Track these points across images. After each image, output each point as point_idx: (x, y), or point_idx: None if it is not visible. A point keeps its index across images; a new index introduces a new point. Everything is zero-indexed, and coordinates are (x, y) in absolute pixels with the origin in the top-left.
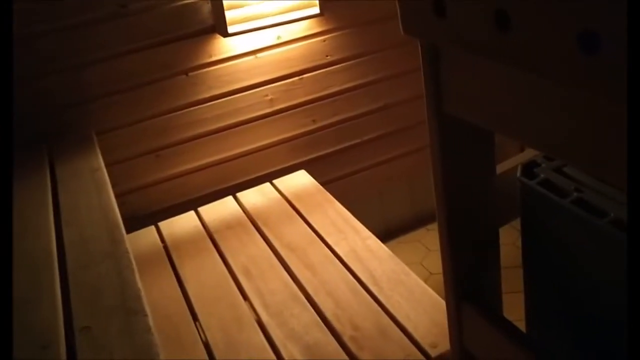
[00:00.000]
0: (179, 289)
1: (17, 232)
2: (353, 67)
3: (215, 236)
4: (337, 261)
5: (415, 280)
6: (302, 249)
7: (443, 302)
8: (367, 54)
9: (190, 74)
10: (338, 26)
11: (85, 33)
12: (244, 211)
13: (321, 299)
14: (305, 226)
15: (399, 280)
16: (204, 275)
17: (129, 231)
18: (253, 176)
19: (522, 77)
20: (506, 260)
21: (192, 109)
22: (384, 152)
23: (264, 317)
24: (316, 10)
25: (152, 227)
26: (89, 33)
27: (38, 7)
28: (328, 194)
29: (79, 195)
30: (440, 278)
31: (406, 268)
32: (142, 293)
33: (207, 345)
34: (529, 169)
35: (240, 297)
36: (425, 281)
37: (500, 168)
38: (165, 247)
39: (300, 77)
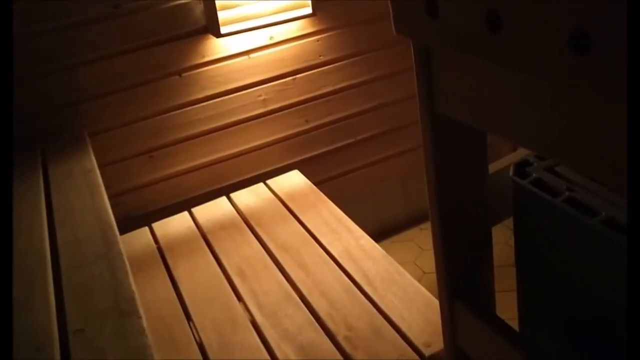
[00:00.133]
0: (172, 290)
1: None
2: (346, 67)
3: (209, 237)
4: (330, 261)
5: (408, 280)
6: (296, 249)
7: (437, 302)
8: (360, 53)
9: (183, 74)
10: (331, 26)
11: (78, 34)
12: (237, 211)
13: (315, 299)
14: (299, 226)
15: (393, 279)
16: (197, 276)
17: (122, 232)
18: (247, 176)
19: (514, 76)
20: (499, 259)
21: (185, 109)
22: (377, 152)
23: (258, 318)
24: (309, 10)
25: (146, 228)
26: (82, 34)
27: (31, 7)
28: (321, 194)
29: (72, 196)
30: (433, 277)
31: (400, 267)
32: (136, 294)
33: (201, 346)
34: (521, 168)
35: (234, 298)
36: (419, 280)
37: (492, 167)
38: (159, 248)
39: (294, 77)
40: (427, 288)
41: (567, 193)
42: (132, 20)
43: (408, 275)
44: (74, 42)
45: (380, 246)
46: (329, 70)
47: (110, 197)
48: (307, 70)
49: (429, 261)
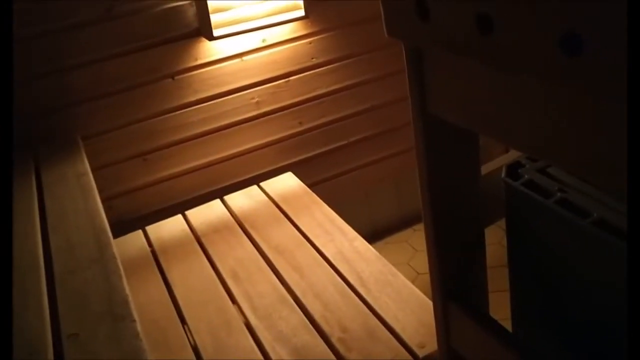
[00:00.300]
0: (166, 293)
1: None
2: (339, 69)
3: (203, 240)
4: (324, 263)
5: (402, 281)
6: (290, 251)
7: (430, 303)
8: (353, 56)
9: (176, 77)
10: (323, 28)
11: (71, 37)
12: (231, 214)
13: (309, 301)
14: (293, 228)
15: (387, 281)
16: (191, 279)
17: (116, 236)
18: (240, 179)
19: (505, 78)
20: (492, 259)
21: (178, 112)
22: (370, 154)
23: (253, 320)
24: (301, 12)
25: (140, 231)
26: (75, 37)
27: (23, 10)
28: (315, 195)
29: (65, 200)
30: (427, 278)
31: (393, 269)
32: (130, 298)
33: (195, 349)
34: (513, 169)
35: (229, 301)
36: (413, 281)
37: (485, 169)
38: (153, 251)
39: (287, 79)
40: (420, 289)
41: (558, 194)
42: (124, 23)
43: (402, 277)
44: (67, 45)
45: (374, 247)
46: (321, 73)
47: (103, 201)
48: (300, 73)
49: (422, 262)
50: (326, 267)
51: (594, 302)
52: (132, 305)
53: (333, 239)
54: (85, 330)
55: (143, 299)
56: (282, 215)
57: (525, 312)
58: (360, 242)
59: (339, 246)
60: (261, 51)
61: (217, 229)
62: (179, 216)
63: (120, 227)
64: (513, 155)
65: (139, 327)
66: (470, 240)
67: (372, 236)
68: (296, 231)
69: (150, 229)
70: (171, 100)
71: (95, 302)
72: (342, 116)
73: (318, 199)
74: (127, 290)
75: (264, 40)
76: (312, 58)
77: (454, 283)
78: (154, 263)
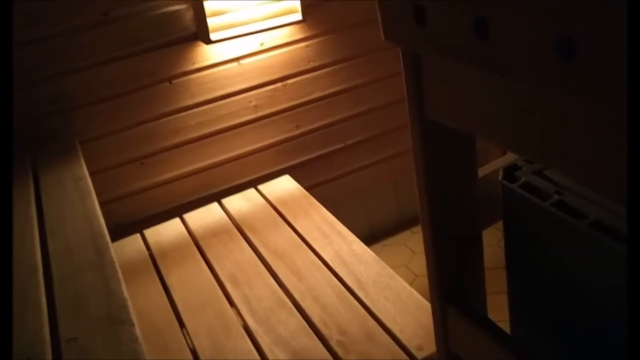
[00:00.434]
0: (165, 297)
1: None
2: (336, 72)
3: (201, 243)
4: (322, 266)
5: (400, 284)
6: (288, 254)
7: (429, 305)
8: (350, 59)
9: (173, 81)
10: (320, 32)
11: (68, 41)
12: (229, 217)
13: (308, 305)
14: (291, 231)
15: (385, 283)
16: (190, 283)
17: (114, 240)
18: (238, 182)
19: (502, 82)
20: (490, 261)
21: (176, 116)
22: (368, 156)
23: (251, 324)
24: (298, 16)
25: (138, 235)
26: (72, 41)
27: (20, 15)
28: (313, 198)
29: (63, 204)
30: (425, 280)
31: (391, 271)
32: (129, 302)
33: (194, 353)
34: (510, 172)
35: (227, 304)
36: (411, 284)
37: (482, 171)
38: (151, 255)
39: (284, 83)
40: (419, 291)
41: (555, 196)
42: (122, 28)
43: (400, 279)
44: (64, 49)
45: (372, 250)
46: (319, 76)
47: (101, 205)
48: (297, 76)
49: (420, 264)
50: (324, 270)
51: (591, 303)
52: (131, 309)
53: (331, 242)
54: (84, 335)
55: (142, 302)
56: (280, 219)
57: (524, 314)
58: (359, 245)
59: (337, 249)
60: (258, 55)
61: (215, 232)
62: (177, 220)
63: (119, 231)
64: (510, 157)
65: (137, 331)
66: (468, 242)
67: (370, 239)
68: (294, 234)
69: (148, 232)
70: (169, 104)
71: (93, 306)
72: (339, 119)
73: (316, 201)
74: (126, 294)
75: (261, 44)
76: (309, 61)
77: (452, 285)
78: (152, 267)
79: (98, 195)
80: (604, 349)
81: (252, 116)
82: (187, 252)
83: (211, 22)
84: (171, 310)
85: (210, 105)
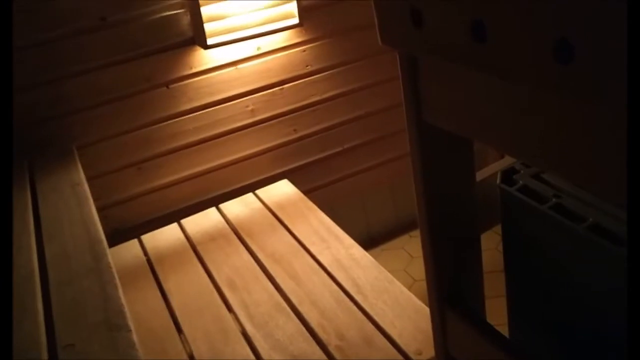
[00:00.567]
0: (163, 302)
1: None
2: (333, 77)
3: (199, 248)
4: (321, 271)
5: (399, 288)
6: (286, 259)
7: (427, 309)
8: (347, 63)
9: (170, 86)
10: (317, 36)
11: (65, 46)
12: (227, 222)
13: (306, 309)
14: (289, 236)
15: (383, 288)
16: (188, 288)
17: (111, 245)
18: (236, 186)
19: (500, 85)
20: (489, 265)
21: (173, 121)
22: (365, 160)
23: (249, 329)
24: (295, 20)
25: (135, 240)
26: (69, 46)
27: (17, 20)
28: (311, 202)
29: (60, 209)
30: (424, 284)
31: (390, 276)
32: (126, 308)
33: (192, 358)
34: (508, 175)
35: (225, 309)
36: (410, 288)
37: (480, 175)
38: (149, 260)
39: (281, 87)
40: (417, 295)
41: (553, 200)
42: (119, 33)
43: (398, 283)
44: (61, 54)
45: (371, 254)
46: (316, 80)
47: (98, 210)
48: (295, 80)
49: (419, 268)
50: (322, 275)
51: (590, 306)
52: (128, 315)
53: (329, 246)
54: (81, 341)
55: (139, 308)
56: (278, 223)
57: (523, 318)
58: (357, 249)
59: (335, 253)
60: (255, 59)
61: (213, 237)
62: (175, 225)
63: (116, 236)
64: (508, 160)
65: (135, 337)
66: (466, 245)
67: (368, 243)
68: (292, 239)
69: (145, 237)
70: (166, 109)
71: (91, 312)
72: (336, 123)
73: (314, 205)
74: (123, 300)
75: (258, 49)
76: (307, 66)
77: (450, 289)
78: (149, 272)
79: (95, 200)
80: (602, 352)
81: (249, 120)
82: (184, 257)
83: (208, 27)
84: (169, 316)
85: (208, 110)
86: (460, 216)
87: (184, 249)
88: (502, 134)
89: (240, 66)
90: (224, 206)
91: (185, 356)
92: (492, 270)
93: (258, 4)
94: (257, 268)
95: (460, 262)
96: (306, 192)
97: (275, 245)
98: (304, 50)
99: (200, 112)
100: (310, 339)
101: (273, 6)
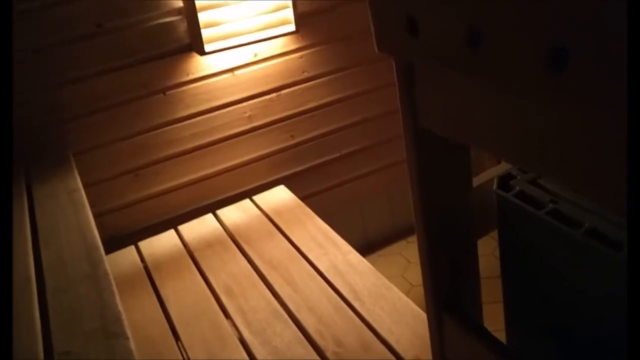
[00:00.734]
0: (160, 309)
1: None
2: (330, 83)
3: (196, 255)
4: (318, 277)
5: (396, 294)
6: (284, 265)
7: (425, 315)
8: (344, 69)
9: (167, 92)
10: (314, 43)
11: (62, 53)
12: (224, 228)
13: (303, 316)
14: (286, 242)
15: (381, 294)
16: (185, 295)
17: (108, 252)
18: (233, 193)
19: (496, 92)
20: (486, 270)
21: (170, 127)
22: (363, 166)
23: (247, 335)
24: (292, 27)
25: (132, 247)
26: (65, 53)
27: (14, 26)
28: (308, 209)
29: (57, 216)
30: (421, 290)
31: (387, 282)
32: (123, 315)
33: None
34: (504, 181)
35: (222, 316)
36: (407, 294)
37: (477, 181)
38: (146, 267)
39: (278, 93)
40: (415, 301)
41: (550, 205)
42: (115, 39)
43: (396, 289)
44: (58, 61)
45: (368, 260)
46: (313, 86)
47: (95, 217)
48: (292, 86)
49: (416, 274)
50: (320, 281)
51: (587, 311)
52: (125, 322)
53: (326, 252)
54: (78, 348)
55: (136, 315)
56: (275, 229)
57: (520, 323)
58: (354, 255)
59: (333, 259)
60: (252, 65)
61: (210, 243)
62: (172, 231)
63: (113, 243)
64: (504, 166)
65: (132, 344)
66: (463, 251)
67: (365, 248)
68: (289, 245)
69: (142, 244)
70: (163, 116)
71: (87, 319)
72: (333, 129)
73: (311, 212)
74: (120, 307)
75: (255, 55)
76: (303, 72)
77: (447, 295)
78: (146, 279)
79: (92, 207)
80: (600, 357)
81: (246, 127)
82: (181, 263)
83: (205, 33)
84: (166, 323)
85: (205, 116)
86: (457, 222)
87: (181, 256)
88: (498, 140)
89: (237, 72)
90: (221, 212)
91: None
92: (490, 276)
93: (255, 10)
94: (255, 274)
95: (457, 268)
96: (303, 198)
97: (272, 251)
98: (301, 57)
99: (198, 118)
100: (308, 345)
101: (270, 13)
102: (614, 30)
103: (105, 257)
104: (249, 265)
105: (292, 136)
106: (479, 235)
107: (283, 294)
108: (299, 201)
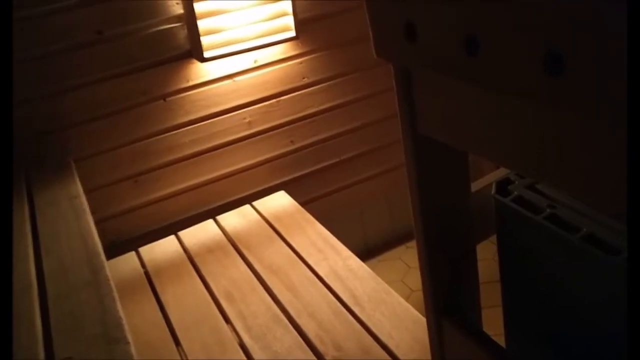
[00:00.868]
0: (160, 315)
1: None
2: (329, 88)
3: (196, 260)
4: (318, 282)
5: (396, 299)
6: (284, 270)
7: (424, 320)
8: (343, 75)
9: (167, 99)
10: (313, 49)
11: (62, 60)
12: (224, 234)
13: (303, 321)
14: (286, 247)
15: (380, 299)
16: (185, 300)
17: (109, 257)
18: (233, 198)
19: (494, 97)
20: (485, 275)
21: (170, 133)
22: (362, 171)
23: (247, 341)
24: (292, 33)
25: (133, 253)
26: (66, 60)
27: (15, 34)
28: (308, 214)
29: (58, 223)
30: (421, 295)
31: (387, 287)
32: (124, 320)
33: None
34: (503, 186)
35: (223, 321)
36: (407, 298)
37: (475, 186)
38: (146, 273)
39: (278, 99)
40: (415, 306)
41: (548, 210)
42: (116, 46)
43: (395, 294)
44: (59, 68)
45: (368, 265)
46: (312, 92)
47: (96, 223)
48: (291, 92)
49: (416, 279)
50: (320, 286)
51: (585, 317)
52: (126, 328)
53: (326, 257)
54: (79, 354)
55: (137, 320)
56: (275, 235)
57: (519, 328)
58: (354, 260)
59: (333, 265)
60: (252, 72)
61: (211, 249)
62: (172, 237)
63: (114, 249)
64: (503, 171)
65: (133, 350)
66: (462, 256)
67: (365, 253)
68: (289, 250)
69: (143, 250)
70: (163, 122)
71: (88, 325)
72: (333, 134)
73: (311, 217)
74: (121, 313)
75: (255, 61)
76: (303, 78)
77: (447, 299)
78: (147, 284)
79: (93, 213)
80: None
81: (246, 132)
82: (182, 269)
83: (205, 40)
84: (166, 328)
85: (205, 123)
86: (456, 227)
87: (182, 261)
88: (496, 146)
89: (237, 79)
90: (221, 218)
91: None
92: (489, 280)
93: (255, 17)
94: (255, 280)
95: (456, 273)
96: (303, 204)
97: (272, 256)
98: (301, 63)
99: (198, 124)
100: (308, 350)
101: (270, 19)
102: (610, 33)
103: (106, 263)
104: (249, 271)
105: (291, 142)
106: (479, 240)
107: (283, 299)
108: (299, 206)
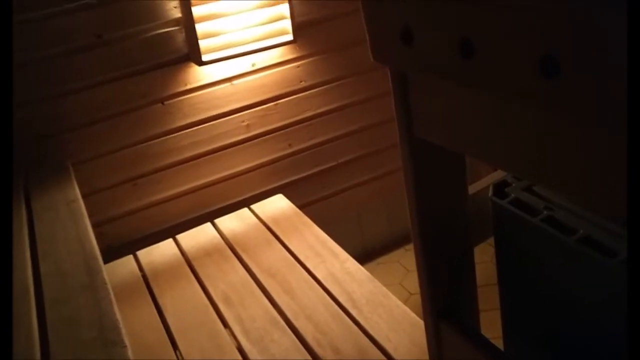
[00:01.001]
0: (158, 318)
1: None
2: (327, 92)
3: (194, 263)
4: (316, 285)
5: (394, 302)
6: (282, 274)
7: (422, 322)
8: (340, 78)
9: (166, 102)
10: (311, 52)
11: (62, 63)
12: (222, 237)
13: (301, 324)
14: (284, 251)
15: (378, 302)
16: (183, 304)
17: (107, 261)
18: (231, 202)
19: (490, 100)
20: (483, 278)
21: (168, 137)
22: (360, 174)
23: (245, 344)
24: (290, 37)
25: (131, 256)
26: (65, 63)
27: (14, 37)
28: (306, 217)
29: (55, 227)
30: (419, 298)
31: (385, 289)
32: (121, 324)
33: None
34: (500, 188)
35: (220, 325)
36: (405, 301)
37: (472, 188)
38: (144, 276)
39: (276, 102)
40: (413, 309)
41: (545, 212)
42: (115, 50)
43: (393, 297)
44: (57, 71)
45: (366, 268)
46: (310, 95)
47: (94, 226)
48: (289, 96)
49: (414, 282)
50: (318, 289)
51: (582, 318)
52: (124, 331)
53: (324, 260)
54: (77, 357)
55: (134, 324)
56: (273, 238)
57: (517, 330)
58: (352, 263)
59: (330, 268)
60: (250, 75)
61: (208, 252)
62: (170, 240)
63: (111, 253)
64: (500, 174)
65: (130, 353)
66: (460, 259)
67: (363, 257)
68: (287, 253)
69: (141, 253)
70: (161, 125)
71: (86, 328)
72: (331, 138)
73: (309, 220)
74: (118, 316)
75: (253, 65)
76: (301, 81)
77: (444, 302)
78: (145, 288)
79: (90, 216)
80: None
81: (244, 136)
82: (180, 272)
83: (203, 43)
84: (164, 332)
85: (203, 126)
86: (454, 229)
87: (180, 265)
88: (492, 149)
89: (235, 82)
90: (219, 221)
91: None
92: (487, 283)
93: (252, 20)
94: (253, 283)
95: (454, 275)
96: (301, 207)
97: (270, 260)
98: (298, 66)
99: (196, 127)
100: (306, 353)
101: (267, 23)
102: (604, 37)
103: (103, 267)
104: (247, 274)
105: (289, 145)
106: (476, 243)
107: (281, 302)
108: (297, 210)
